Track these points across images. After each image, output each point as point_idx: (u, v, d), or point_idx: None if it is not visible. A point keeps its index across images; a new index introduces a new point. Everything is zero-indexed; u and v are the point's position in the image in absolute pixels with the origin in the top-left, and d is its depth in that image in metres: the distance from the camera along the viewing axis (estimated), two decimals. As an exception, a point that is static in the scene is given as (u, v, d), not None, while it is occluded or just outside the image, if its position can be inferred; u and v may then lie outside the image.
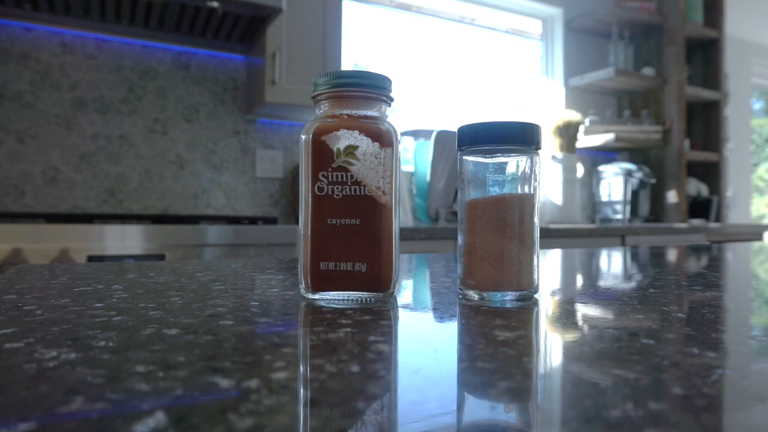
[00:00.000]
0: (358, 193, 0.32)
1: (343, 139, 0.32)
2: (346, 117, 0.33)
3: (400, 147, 0.33)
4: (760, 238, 2.75)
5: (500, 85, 2.63)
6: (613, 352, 0.21)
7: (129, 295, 0.33)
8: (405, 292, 0.36)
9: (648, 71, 2.71)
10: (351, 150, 0.32)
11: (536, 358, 0.20)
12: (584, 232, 2.02)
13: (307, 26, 1.84)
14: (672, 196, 2.71)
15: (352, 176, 0.32)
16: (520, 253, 0.33)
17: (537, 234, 0.34)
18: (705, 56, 2.97)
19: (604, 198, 2.67)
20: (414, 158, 2.02)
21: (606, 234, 2.09)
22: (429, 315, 0.29)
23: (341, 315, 0.27)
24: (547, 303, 0.32)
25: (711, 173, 2.93)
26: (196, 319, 0.26)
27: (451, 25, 2.45)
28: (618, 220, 2.60)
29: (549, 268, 0.54)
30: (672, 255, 0.73)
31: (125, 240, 1.32)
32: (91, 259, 1.26)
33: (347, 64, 2.10)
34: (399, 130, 0.34)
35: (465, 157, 0.34)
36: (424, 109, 2.37)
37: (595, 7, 2.69)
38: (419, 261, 0.63)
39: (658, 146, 2.72)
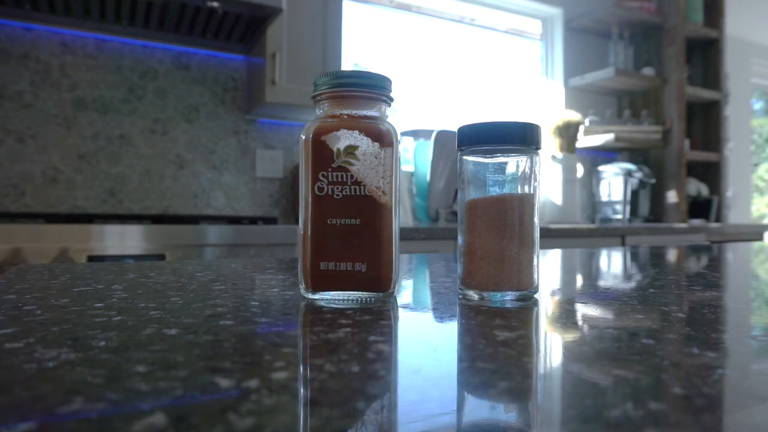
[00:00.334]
0: (358, 193, 0.32)
1: (343, 139, 0.32)
2: (346, 117, 0.33)
3: (400, 147, 0.33)
4: (760, 238, 2.75)
5: (500, 85, 2.63)
6: (613, 352, 0.21)
7: (129, 295, 0.33)
8: (405, 292, 0.36)
9: (648, 71, 2.71)
10: (351, 150, 0.32)
11: (536, 358, 0.20)
12: (584, 232, 2.02)
13: (307, 26, 1.84)
14: (672, 196, 2.71)
15: (352, 176, 0.32)
16: (520, 253, 0.33)
17: (537, 234, 0.34)
18: (705, 56, 2.97)
19: (604, 198, 2.67)
20: (414, 158, 2.02)
21: (606, 234, 2.09)
22: (429, 315, 0.29)
23: (341, 315, 0.27)
24: (547, 303, 0.32)
25: (711, 173, 2.93)
26: (196, 319, 0.26)
27: (451, 25, 2.45)
28: (618, 220, 2.60)
29: (549, 268, 0.54)
30: (672, 255, 0.73)
31: (125, 240, 1.32)
32: (91, 259, 1.26)
33: (347, 64, 2.10)
34: (399, 130, 0.34)
35: (465, 157, 0.34)
36: (424, 109, 2.37)
37: (595, 7, 2.69)
38: (419, 261, 0.63)
39: (658, 146, 2.72)
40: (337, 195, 0.32)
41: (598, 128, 2.64)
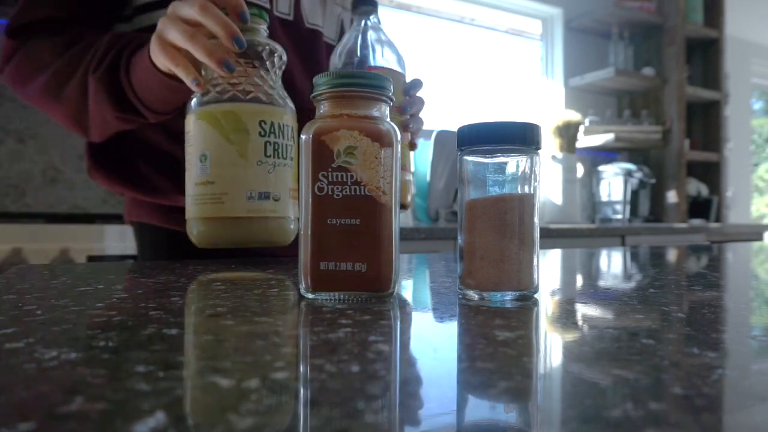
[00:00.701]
0: (358, 193, 0.32)
1: (343, 139, 0.32)
2: (346, 117, 0.33)
3: (400, 147, 0.33)
4: (760, 238, 2.75)
5: (500, 85, 2.63)
6: (613, 352, 0.21)
7: (129, 295, 0.33)
8: (405, 292, 0.36)
9: (648, 71, 2.71)
10: (351, 150, 0.32)
11: (536, 358, 0.20)
12: (584, 232, 2.02)
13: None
14: (672, 196, 2.71)
15: (352, 176, 0.32)
16: (520, 253, 0.33)
17: (537, 234, 0.34)
18: (705, 56, 2.97)
19: (604, 198, 2.67)
20: (414, 158, 2.02)
21: (606, 234, 2.09)
22: (429, 315, 0.29)
23: (341, 315, 0.27)
24: (547, 303, 0.32)
25: (711, 173, 2.93)
26: (196, 319, 0.26)
27: (451, 25, 2.45)
28: (618, 220, 2.60)
29: (549, 268, 0.54)
30: (672, 255, 0.73)
31: (125, 240, 1.32)
32: (91, 259, 1.26)
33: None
34: (399, 130, 0.34)
35: (465, 157, 0.34)
36: (424, 108, 2.37)
37: (595, 7, 2.69)
38: (419, 261, 0.63)
39: (658, 146, 2.72)
40: (337, 195, 0.32)
41: (598, 128, 2.64)
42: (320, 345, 0.21)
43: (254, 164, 0.52)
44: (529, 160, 0.33)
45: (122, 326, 0.24)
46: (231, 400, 0.15)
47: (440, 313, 0.29)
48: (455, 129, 0.35)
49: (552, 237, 1.92)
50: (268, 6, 0.73)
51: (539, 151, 0.34)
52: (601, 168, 2.68)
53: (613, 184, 2.62)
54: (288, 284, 0.39)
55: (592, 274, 0.50)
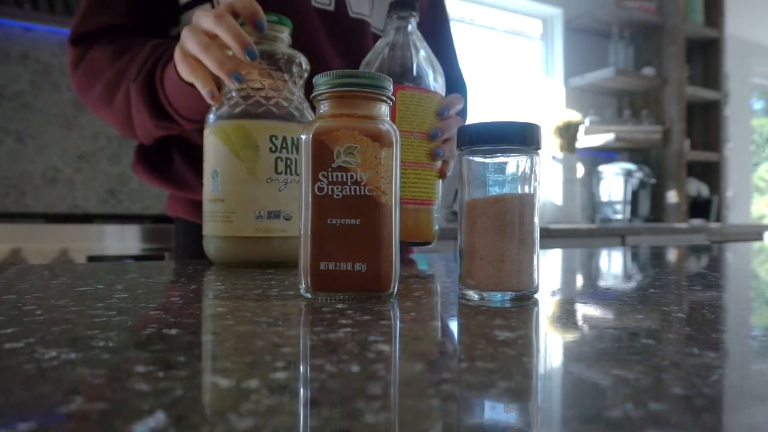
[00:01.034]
0: (358, 193, 0.32)
1: (343, 139, 0.32)
2: (346, 117, 0.33)
3: (399, 147, 0.33)
4: (760, 238, 2.75)
5: (500, 85, 2.63)
6: (613, 352, 0.21)
7: (129, 295, 0.33)
8: (405, 292, 0.36)
9: (648, 71, 2.71)
10: (351, 150, 0.32)
11: (536, 358, 0.20)
12: (584, 232, 2.02)
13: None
14: (672, 196, 2.71)
15: (352, 176, 0.32)
16: (520, 253, 0.33)
17: (537, 234, 0.34)
18: (705, 56, 2.97)
19: (604, 198, 2.67)
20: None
21: (606, 234, 2.09)
22: (429, 315, 0.29)
23: (341, 315, 0.27)
24: (547, 303, 0.32)
25: (711, 173, 2.93)
26: (196, 319, 0.26)
27: (450, 24, 2.45)
28: (618, 220, 2.60)
29: (549, 268, 0.54)
30: (672, 255, 0.73)
31: (125, 240, 1.32)
32: (91, 259, 1.26)
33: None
34: (399, 130, 0.34)
35: (465, 157, 0.34)
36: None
37: (595, 7, 2.69)
38: (419, 261, 0.63)
39: (658, 146, 2.72)
40: (337, 195, 0.32)
41: (598, 128, 2.64)
42: (320, 345, 0.21)
43: (264, 182, 0.50)
44: (529, 160, 0.33)
45: (122, 326, 0.24)
46: (231, 400, 0.15)
47: (440, 313, 0.29)
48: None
49: (552, 237, 1.92)
50: (331, 8, 0.72)
51: (539, 151, 0.34)
52: (601, 168, 2.68)
53: (613, 184, 2.62)
54: (288, 284, 0.39)
55: (592, 274, 0.50)
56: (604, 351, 0.21)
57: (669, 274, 0.49)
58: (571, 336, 0.24)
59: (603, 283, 0.42)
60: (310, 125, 0.33)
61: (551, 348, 0.22)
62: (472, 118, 0.81)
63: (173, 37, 0.66)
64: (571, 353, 0.21)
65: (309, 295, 0.32)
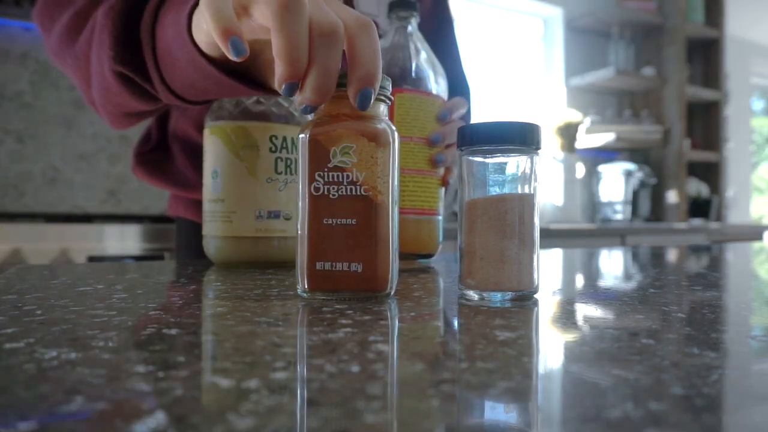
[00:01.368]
0: (354, 193, 0.32)
1: (339, 138, 0.32)
2: (342, 116, 0.33)
3: (397, 146, 0.33)
4: (760, 238, 2.75)
5: (500, 85, 2.63)
6: (613, 352, 0.21)
7: (129, 295, 0.33)
8: (404, 292, 0.36)
9: (648, 71, 2.70)
10: (347, 150, 0.32)
11: (536, 358, 0.20)
12: (584, 232, 2.02)
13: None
14: (672, 196, 2.71)
15: (348, 176, 0.32)
16: (520, 253, 0.33)
17: (537, 234, 0.34)
18: (705, 56, 2.97)
19: (604, 198, 2.67)
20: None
21: (606, 234, 2.09)
22: (429, 315, 0.29)
23: (341, 315, 0.27)
24: (547, 303, 0.32)
25: (711, 173, 2.93)
26: (196, 319, 0.26)
27: (455, 25, 2.45)
28: (618, 220, 2.60)
29: (549, 268, 0.54)
30: (672, 255, 0.73)
31: (125, 240, 1.32)
32: (91, 259, 1.26)
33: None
34: (396, 130, 0.34)
35: (465, 157, 0.34)
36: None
37: (595, 7, 2.69)
38: (419, 260, 0.63)
39: (658, 146, 2.72)
40: (333, 195, 0.32)
41: (598, 128, 2.64)
42: (320, 345, 0.21)
43: (264, 182, 0.50)
44: (529, 160, 0.33)
45: (122, 326, 0.24)
46: (231, 400, 0.15)
47: (440, 313, 0.29)
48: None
49: (552, 237, 1.92)
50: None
51: (539, 151, 0.34)
52: (601, 168, 2.68)
53: (614, 184, 2.62)
54: (288, 284, 0.39)
55: (592, 274, 0.50)
56: (604, 351, 0.21)
57: (669, 274, 0.49)
58: (571, 336, 0.24)
59: (603, 283, 0.42)
60: (307, 125, 0.33)
61: (551, 348, 0.22)
62: (473, 119, 0.81)
63: None
64: (571, 353, 0.21)
65: (306, 296, 0.32)
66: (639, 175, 2.61)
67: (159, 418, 0.14)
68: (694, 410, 0.15)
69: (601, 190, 2.68)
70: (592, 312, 0.29)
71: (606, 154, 2.85)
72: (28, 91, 1.73)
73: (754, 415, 0.15)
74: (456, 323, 0.27)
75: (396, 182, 0.33)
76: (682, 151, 2.68)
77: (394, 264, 0.33)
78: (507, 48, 2.67)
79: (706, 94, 2.81)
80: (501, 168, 0.34)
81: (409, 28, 0.58)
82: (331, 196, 0.32)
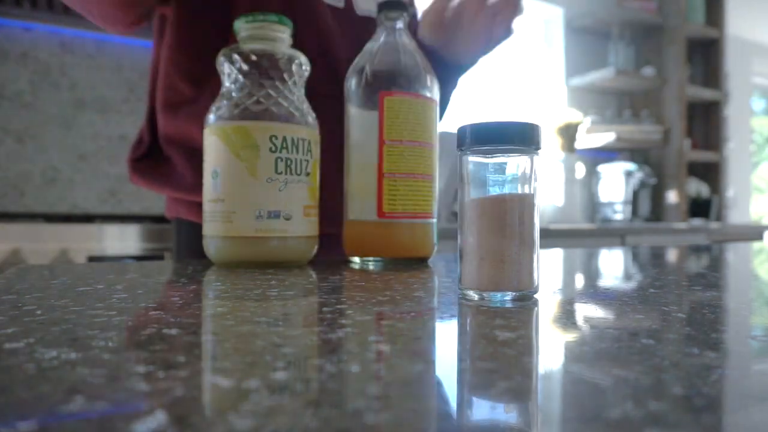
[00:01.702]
0: None
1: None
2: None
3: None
4: (760, 238, 2.76)
5: (501, 85, 2.63)
6: (613, 352, 0.21)
7: (129, 295, 0.33)
8: (404, 292, 0.36)
9: (648, 71, 2.71)
10: None
11: (536, 358, 0.20)
12: (584, 232, 2.02)
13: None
14: (672, 196, 2.71)
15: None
16: (520, 253, 0.33)
17: (537, 234, 0.34)
18: (705, 56, 2.97)
19: (604, 198, 2.67)
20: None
21: (606, 234, 2.09)
22: (429, 315, 0.29)
23: (341, 315, 0.27)
24: (547, 303, 0.32)
25: (711, 173, 2.93)
26: (196, 319, 0.26)
27: None
28: (618, 220, 2.60)
29: (549, 268, 0.54)
30: (672, 255, 0.73)
31: (125, 240, 1.32)
32: (91, 259, 1.26)
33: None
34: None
35: (465, 157, 0.34)
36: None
37: (596, 7, 2.69)
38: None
39: (658, 146, 2.72)
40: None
41: (598, 128, 2.64)
42: (320, 345, 0.21)
43: (264, 182, 0.50)
44: (529, 160, 0.33)
45: (122, 326, 0.24)
46: (231, 400, 0.15)
47: (440, 313, 0.29)
48: (455, 129, 0.35)
49: (552, 237, 1.92)
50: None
51: (539, 151, 0.34)
52: (601, 168, 2.68)
53: (614, 184, 2.62)
54: (288, 284, 0.39)
55: (592, 274, 0.50)
56: (604, 351, 0.21)
57: (669, 274, 0.49)
58: (571, 336, 0.24)
59: (603, 283, 0.42)
60: None
61: (551, 348, 0.22)
62: (473, 119, 0.81)
63: None
64: (571, 353, 0.21)
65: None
66: (639, 175, 2.61)
67: (159, 418, 0.14)
68: (694, 410, 0.15)
69: (601, 190, 2.68)
70: (592, 312, 0.29)
71: (606, 154, 2.85)
72: (28, 91, 1.73)
73: (754, 415, 0.15)
74: (456, 323, 0.27)
75: None
76: (682, 151, 2.68)
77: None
78: (507, 48, 2.67)
79: (706, 94, 2.81)
80: (501, 168, 0.34)
81: (398, 27, 0.58)
82: None
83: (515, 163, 0.33)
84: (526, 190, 0.33)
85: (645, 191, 2.69)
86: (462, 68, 0.82)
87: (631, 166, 2.61)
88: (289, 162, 0.51)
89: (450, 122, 2.38)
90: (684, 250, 0.84)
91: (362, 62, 0.57)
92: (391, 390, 0.16)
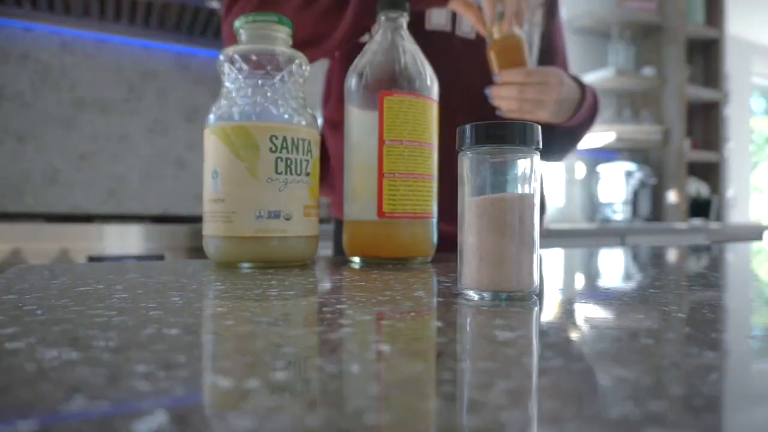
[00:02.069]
0: None
1: None
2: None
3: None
4: (760, 238, 2.76)
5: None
6: (613, 352, 0.21)
7: (129, 295, 0.33)
8: (405, 292, 0.36)
9: (648, 71, 2.71)
10: None
11: (536, 358, 0.20)
12: (584, 232, 2.02)
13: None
14: (672, 196, 2.71)
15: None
16: (520, 253, 0.33)
17: (537, 234, 0.34)
18: (705, 56, 2.97)
19: (604, 198, 2.67)
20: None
21: (606, 234, 2.09)
22: (429, 315, 0.29)
23: (341, 315, 0.27)
24: (547, 303, 0.32)
25: (711, 173, 2.93)
26: (196, 319, 0.26)
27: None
28: (618, 220, 2.60)
29: (549, 268, 0.54)
30: (672, 255, 0.73)
31: (125, 240, 1.32)
32: (91, 259, 1.26)
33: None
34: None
35: (465, 157, 0.34)
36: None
37: (596, 7, 2.69)
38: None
39: (658, 146, 2.72)
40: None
41: (598, 128, 2.64)
42: (320, 345, 0.21)
43: (264, 182, 0.50)
44: (529, 160, 0.33)
45: (122, 326, 0.24)
46: (231, 400, 0.15)
47: (440, 313, 0.29)
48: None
49: (552, 237, 1.92)
50: (449, 29, 0.82)
51: (539, 151, 0.34)
52: (601, 168, 2.68)
53: (614, 184, 2.62)
54: (288, 284, 0.39)
55: (592, 274, 0.50)
56: (604, 351, 0.21)
57: (669, 274, 0.49)
58: (571, 336, 0.24)
59: (603, 283, 0.42)
60: None
61: (551, 348, 0.22)
62: (472, 119, 0.82)
63: None
64: (571, 353, 0.21)
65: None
66: (639, 175, 2.61)
67: (159, 418, 0.14)
68: (693, 410, 0.15)
69: (601, 190, 2.68)
70: (592, 312, 0.29)
71: (606, 154, 2.85)
72: (28, 91, 1.73)
73: (754, 415, 0.15)
74: (456, 323, 0.27)
75: None
76: (682, 151, 2.68)
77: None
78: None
79: (706, 94, 2.81)
80: (501, 168, 0.34)
81: (399, 27, 0.58)
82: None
83: (515, 163, 0.33)
84: (526, 190, 0.33)
85: (645, 191, 2.69)
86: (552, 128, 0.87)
87: (631, 166, 2.61)
88: (289, 162, 0.51)
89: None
90: (684, 250, 0.84)
91: (362, 62, 0.57)
92: (391, 390, 0.16)
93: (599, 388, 0.16)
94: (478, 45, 0.82)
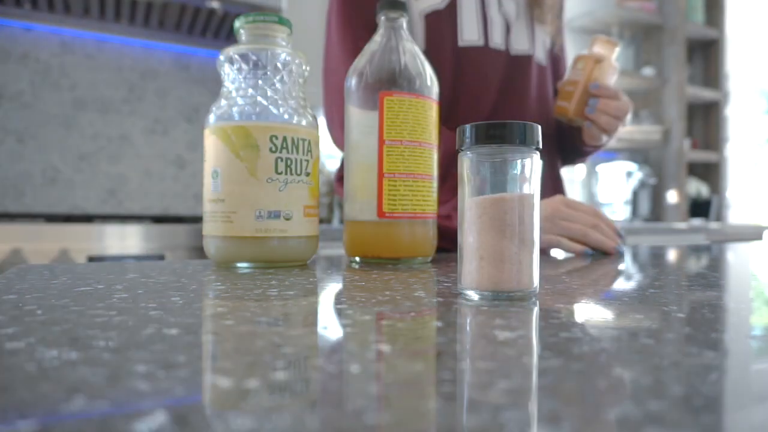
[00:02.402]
0: None
1: None
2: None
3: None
4: (760, 238, 2.76)
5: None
6: (613, 352, 0.21)
7: (129, 295, 0.33)
8: (405, 292, 0.36)
9: (648, 71, 2.71)
10: None
11: (536, 358, 0.20)
12: (584, 232, 2.01)
13: (307, 25, 1.84)
14: (672, 196, 2.71)
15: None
16: (520, 253, 0.33)
17: (537, 234, 0.34)
18: (705, 56, 2.97)
19: (604, 198, 2.67)
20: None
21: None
22: (429, 315, 0.29)
23: (341, 315, 0.27)
24: (547, 303, 0.32)
25: (711, 173, 2.93)
26: (196, 319, 0.26)
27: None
28: (618, 221, 2.59)
29: (549, 268, 0.54)
30: (672, 255, 0.73)
31: (125, 240, 1.32)
32: (91, 259, 1.26)
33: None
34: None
35: (465, 157, 0.34)
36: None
37: (596, 7, 2.69)
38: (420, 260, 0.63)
39: (658, 146, 2.72)
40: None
41: (598, 128, 2.63)
42: (320, 345, 0.21)
43: (264, 182, 0.50)
44: (529, 160, 0.33)
45: (122, 326, 0.24)
46: (231, 400, 0.15)
47: (440, 313, 0.29)
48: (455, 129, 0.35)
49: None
50: (503, 48, 0.87)
51: (539, 151, 0.34)
52: (601, 168, 2.68)
53: (614, 184, 2.62)
54: (288, 284, 0.39)
55: (592, 273, 0.50)
56: (604, 351, 0.21)
57: (669, 274, 0.49)
58: (571, 336, 0.24)
59: (603, 283, 0.42)
60: None
61: (551, 348, 0.22)
62: (473, 119, 0.83)
63: None
64: (571, 353, 0.21)
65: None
66: (639, 175, 2.61)
67: (159, 418, 0.14)
68: (693, 410, 0.15)
69: (601, 190, 2.68)
70: (592, 312, 0.29)
71: (606, 154, 2.85)
72: (28, 91, 1.73)
73: (754, 415, 0.15)
74: (456, 323, 0.27)
75: None
76: (682, 151, 2.68)
77: None
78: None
79: (706, 94, 2.81)
80: (501, 168, 0.34)
81: (399, 27, 0.58)
82: None
83: (515, 163, 0.33)
84: (526, 190, 0.33)
85: (645, 191, 2.69)
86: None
87: (631, 166, 2.61)
88: (289, 162, 0.51)
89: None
90: (684, 250, 0.84)
91: (362, 62, 0.57)
92: (391, 390, 0.16)
93: (599, 388, 0.16)
94: (509, 56, 0.87)
